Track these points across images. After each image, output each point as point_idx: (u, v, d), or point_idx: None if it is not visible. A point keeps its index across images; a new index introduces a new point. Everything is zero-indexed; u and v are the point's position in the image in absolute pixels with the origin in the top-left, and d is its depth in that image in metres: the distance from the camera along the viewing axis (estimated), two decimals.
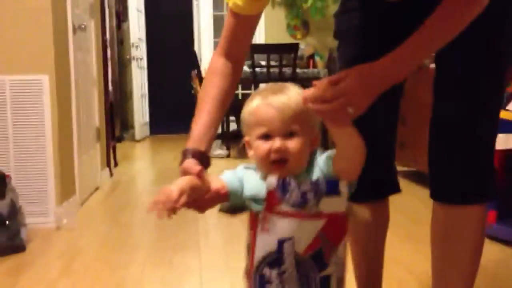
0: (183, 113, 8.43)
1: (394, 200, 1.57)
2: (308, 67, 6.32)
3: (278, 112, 1.04)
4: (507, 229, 2.49)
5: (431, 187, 1.35)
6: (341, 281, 1.07)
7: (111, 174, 4.43)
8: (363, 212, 1.20)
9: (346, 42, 1.46)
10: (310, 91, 0.97)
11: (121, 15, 7.23)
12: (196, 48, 7.81)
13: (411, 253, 2.39)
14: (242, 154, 5.68)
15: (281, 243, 1.03)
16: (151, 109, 8.03)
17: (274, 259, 1.04)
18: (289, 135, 1.04)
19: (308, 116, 1.03)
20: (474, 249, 1.32)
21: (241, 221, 2.98)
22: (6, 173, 2.64)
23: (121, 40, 7.41)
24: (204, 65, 7.70)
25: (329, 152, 1.07)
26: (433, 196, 1.35)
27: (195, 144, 1.18)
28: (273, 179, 1.05)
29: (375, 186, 1.46)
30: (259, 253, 1.06)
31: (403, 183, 1.58)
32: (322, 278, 1.04)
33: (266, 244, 1.05)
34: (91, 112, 3.84)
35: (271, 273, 1.04)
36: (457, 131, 1.29)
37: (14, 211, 2.54)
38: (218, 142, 6.39)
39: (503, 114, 2.49)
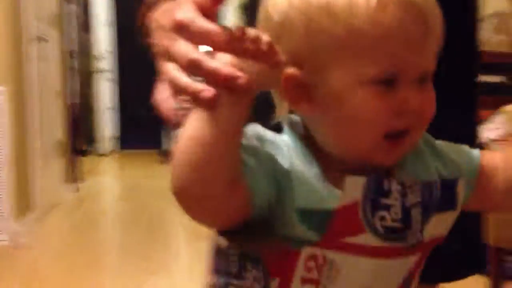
0: (156, 128, 8.26)
1: None
2: None
3: (429, 28, 0.50)
4: None
5: None
6: None
7: (75, 189, 4.25)
8: None
9: None
10: None
11: (87, 26, 7.09)
12: None
13: None
14: None
15: None
16: (122, 123, 7.84)
17: None
18: (423, 80, 0.52)
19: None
20: None
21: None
22: None
23: (87, 51, 7.24)
24: None
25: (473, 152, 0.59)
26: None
27: None
28: (359, 180, 0.51)
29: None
30: None
31: None
32: None
33: None
34: (53, 125, 3.69)
35: None
36: None
37: None
38: None
39: None
